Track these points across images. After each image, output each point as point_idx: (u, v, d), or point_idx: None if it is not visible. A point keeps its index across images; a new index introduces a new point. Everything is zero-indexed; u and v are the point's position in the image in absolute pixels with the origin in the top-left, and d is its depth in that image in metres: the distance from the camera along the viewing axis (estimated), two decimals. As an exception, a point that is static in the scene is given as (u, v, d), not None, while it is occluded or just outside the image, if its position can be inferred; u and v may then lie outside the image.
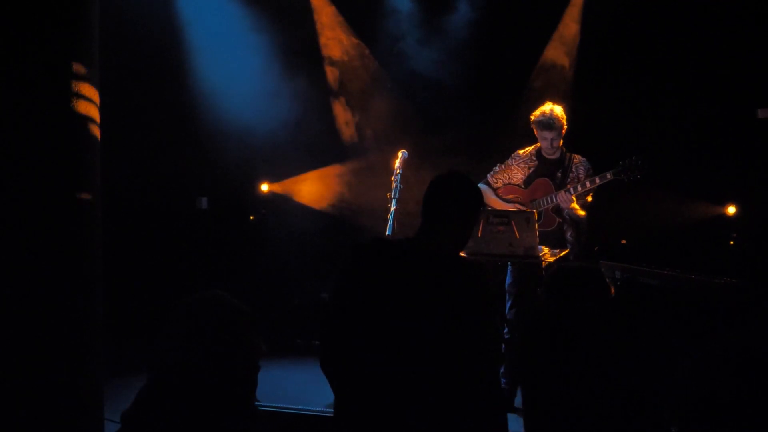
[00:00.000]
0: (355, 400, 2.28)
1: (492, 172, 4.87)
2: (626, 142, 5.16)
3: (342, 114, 6.55)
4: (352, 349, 2.27)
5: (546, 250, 4.37)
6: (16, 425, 3.00)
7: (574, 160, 4.65)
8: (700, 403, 1.53)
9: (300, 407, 3.72)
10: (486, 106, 6.03)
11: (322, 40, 6.44)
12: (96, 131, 3.39)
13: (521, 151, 4.80)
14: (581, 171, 4.62)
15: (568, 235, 4.65)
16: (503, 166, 4.83)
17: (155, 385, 1.77)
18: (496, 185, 4.86)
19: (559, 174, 4.64)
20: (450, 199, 2.43)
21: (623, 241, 5.05)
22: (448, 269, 2.29)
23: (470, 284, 2.27)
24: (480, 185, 4.92)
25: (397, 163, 4.61)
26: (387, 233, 4.45)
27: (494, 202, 4.81)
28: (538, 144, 4.73)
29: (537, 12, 5.96)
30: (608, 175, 4.44)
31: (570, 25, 6.00)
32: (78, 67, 3.23)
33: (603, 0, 5.65)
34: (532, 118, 4.64)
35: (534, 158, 4.73)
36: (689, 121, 5.51)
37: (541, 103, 4.72)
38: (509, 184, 4.82)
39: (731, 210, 5.68)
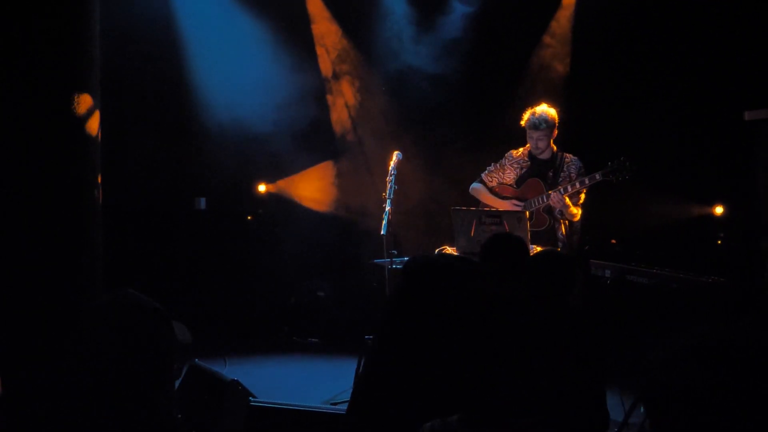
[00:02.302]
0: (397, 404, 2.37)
1: (487, 171, 4.94)
2: (617, 144, 5.23)
3: (337, 115, 6.61)
4: (407, 357, 2.38)
5: (537, 249, 4.46)
6: (18, 419, 3.07)
7: (566, 159, 4.69)
8: (675, 396, 1.59)
9: (297, 403, 3.78)
10: (479, 107, 6.09)
11: (318, 43, 6.50)
12: (96, 132, 3.43)
13: (514, 152, 4.86)
14: (573, 170, 4.66)
15: (559, 233, 4.72)
16: (497, 165, 4.90)
17: (72, 384, 1.74)
18: (491, 184, 4.93)
19: (551, 174, 4.69)
20: (503, 254, 2.87)
21: (613, 241, 5.12)
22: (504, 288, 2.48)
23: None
24: (475, 184, 5.00)
25: (392, 164, 4.69)
26: (382, 233, 4.54)
27: (488, 199, 4.88)
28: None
29: (530, 12, 6.03)
30: (597, 176, 4.49)
31: (562, 27, 6.07)
32: (79, 71, 3.27)
33: (594, 3, 5.73)
34: (524, 115, 4.69)
35: (527, 159, 4.78)
36: (678, 124, 5.56)
37: (536, 103, 4.78)
38: (502, 183, 4.90)
39: (719, 210, 5.73)
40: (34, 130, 3.21)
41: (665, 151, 5.54)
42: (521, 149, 4.84)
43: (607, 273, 4.33)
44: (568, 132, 5.05)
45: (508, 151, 4.89)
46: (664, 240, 5.43)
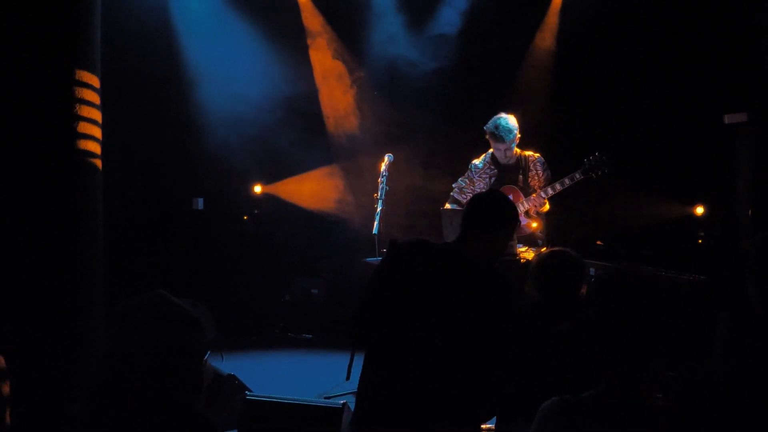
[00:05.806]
0: (378, 373, 2.52)
1: (458, 188, 4.87)
2: (602, 146, 5.35)
3: (332, 116, 6.72)
4: (383, 328, 2.53)
5: (524, 248, 4.59)
6: (20, 415, 3.14)
7: (530, 159, 4.69)
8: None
9: (291, 397, 3.89)
10: (476, 106, 6.15)
11: (312, 43, 6.60)
12: (97, 133, 3.49)
13: (476, 161, 4.81)
14: (539, 168, 4.68)
15: (538, 232, 4.77)
16: (466, 180, 4.83)
17: (103, 386, 1.71)
18: (465, 200, 4.84)
19: (520, 176, 4.70)
20: (487, 215, 2.65)
21: (598, 242, 5.23)
22: (479, 275, 2.52)
23: (498, 292, 2.48)
24: (448, 204, 4.89)
25: (383, 166, 4.80)
26: (374, 232, 4.66)
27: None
28: (491, 149, 4.74)
29: (518, 17, 6.15)
30: (577, 175, 4.51)
31: (547, 34, 6.19)
32: (81, 74, 3.31)
33: (579, 8, 5.84)
34: (486, 129, 4.64)
35: (492, 167, 4.74)
36: (661, 127, 5.68)
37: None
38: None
39: (699, 210, 5.85)
40: (37, 132, 3.25)
41: (648, 153, 5.67)
42: (482, 156, 4.80)
43: (592, 272, 4.43)
44: (554, 133, 5.15)
45: (471, 161, 4.82)
46: (647, 239, 5.53)
